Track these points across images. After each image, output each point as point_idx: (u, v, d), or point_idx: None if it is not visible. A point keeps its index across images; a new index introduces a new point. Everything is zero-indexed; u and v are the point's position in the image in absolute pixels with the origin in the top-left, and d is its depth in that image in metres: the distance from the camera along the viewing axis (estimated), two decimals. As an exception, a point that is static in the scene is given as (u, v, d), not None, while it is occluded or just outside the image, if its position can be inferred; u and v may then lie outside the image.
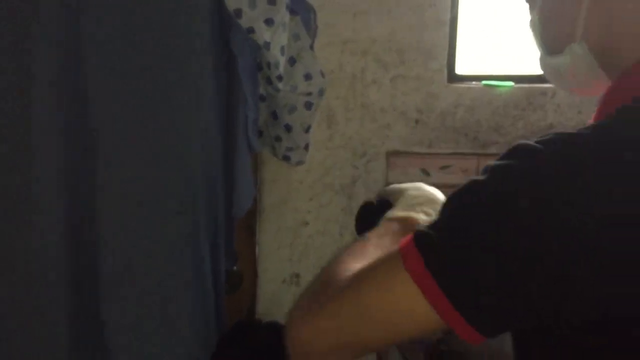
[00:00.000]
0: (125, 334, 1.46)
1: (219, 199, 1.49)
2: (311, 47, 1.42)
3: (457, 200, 0.65)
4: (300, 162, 1.56)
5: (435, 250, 0.62)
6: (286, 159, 1.54)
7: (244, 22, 1.32)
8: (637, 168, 0.60)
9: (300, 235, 1.66)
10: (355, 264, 0.68)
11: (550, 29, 0.71)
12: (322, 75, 1.44)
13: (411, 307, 0.62)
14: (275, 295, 1.69)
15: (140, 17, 1.31)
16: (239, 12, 1.30)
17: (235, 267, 1.60)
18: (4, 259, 1.34)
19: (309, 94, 1.45)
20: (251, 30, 1.32)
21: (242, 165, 1.51)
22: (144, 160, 1.41)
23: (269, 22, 1.35)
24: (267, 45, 1.34)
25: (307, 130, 1.50)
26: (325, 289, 0.67)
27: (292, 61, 1.42)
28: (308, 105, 1.45)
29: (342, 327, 0.65)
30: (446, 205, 0.66)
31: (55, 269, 1.36)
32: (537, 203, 0.59)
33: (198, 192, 1.45)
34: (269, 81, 1.40)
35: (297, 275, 1.68)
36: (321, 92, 1.47)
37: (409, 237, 0.64)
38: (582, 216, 0.59)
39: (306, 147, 1.55)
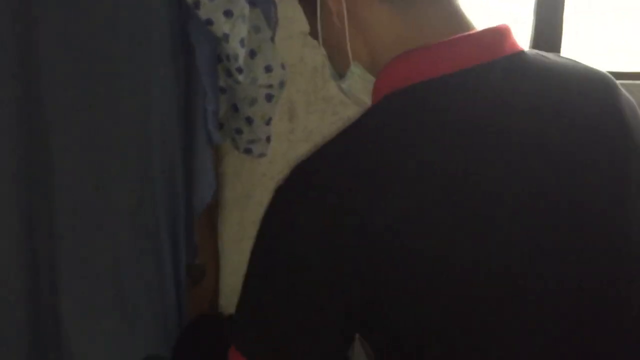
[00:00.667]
0: (84, 330, 1.44)
1: (179, 193, 1.48)
2: (272, 40, 1.41)
3: (247, 278, 0.78)
4: (262, 155, 1.56)
5: (240, 335, 0.75)
6: (248, 151, 1.54)
7: (203, 13, 1.30)
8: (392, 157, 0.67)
9: (262, 228, 1.65)
10: None
11: (334, 59, 0.84)
12: (283, 67, 1.43)
13: None
14: (238, 289, 1.67)
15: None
16: (197, 3, 1.29)
17: (196, 261, 1.59)
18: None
19: (270, 86, 1.45)
20: (210, 21, 1.31)
21: (202, 158, 1.50)
22: (100, 154, 1.39)
23: (227, 13, 1.34)
24: (226, 37, 1.33)
25: (268, 122, 1.50)
26: None
27: (252, 53, 1.41)
28: (269, 98, 1.44)
29: None
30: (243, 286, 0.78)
31: (10, 265, 1.34)
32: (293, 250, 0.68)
33: (157, 186, 1.43)
34: (228, 73, 1.39)
35: (260, 269, 1.68)
36: (282, 85, 1.46)
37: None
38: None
39: (268, 140, 1.54)
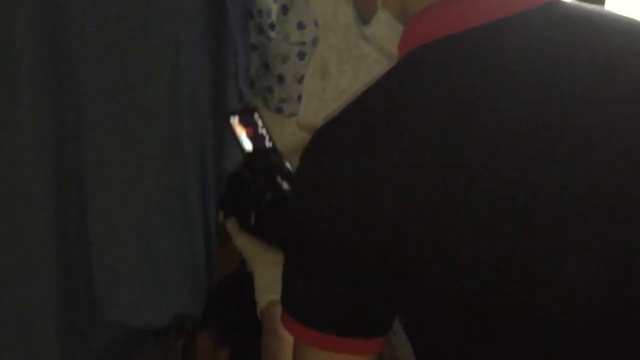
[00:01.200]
0: (116, 288, 1.45)
1: (209, 152, 1.46)
2: (304, -4, 1.37)
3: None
4: (293, 114, 1.53)
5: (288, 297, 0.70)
6: (279, 110, 1.51)
7: None
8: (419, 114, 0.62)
9: (292, 188, 1.63)
10: None
11: (359, 2, 0.77)
12: (316, 24, 1.39)
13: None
14: (266, 249, 1.67)
15: None
16: None
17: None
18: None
19: (302, 43, 1.41)
20: None
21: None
22: (129, 114, 1.38)
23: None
24: None
25: (300, 80, 1.46)
26: None
27: (284, 9, 1.37)
28: (301, 55, 1.41)
29: None
30: None
31: (42, 222, 1.34)
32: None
33: (187, 147, 1.42)
34: (260, 30, 1.36)
35: (289, 229, 1.66)
36: (314, 42, 1.43)
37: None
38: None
39: (299, 99, 1.51)
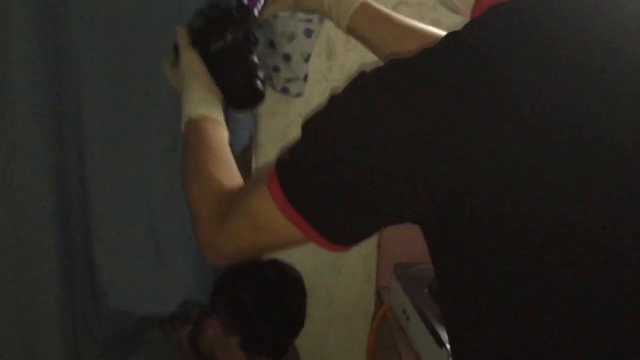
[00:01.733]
0: (119, 274, 1.42)
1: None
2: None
3: (318, 120, 0.71)
4: (299, 94, 1.49)
5: (290, 172, 0.70)
6: (285, 91, 1.47)
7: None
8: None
9: (299, 171, 1.59)
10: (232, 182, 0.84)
11: None
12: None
13: (274, 225, 0.71)
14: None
15: None
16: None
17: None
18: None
19: (309, 20, 1.37)
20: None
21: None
22: (134, 95, 1.34)
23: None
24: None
25: (307, 59, 1.42)
26: (222, 210, 0.79)
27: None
28: (308, 33, 1.36)
29: (238, 241, 0.78)
30: (309, 125, 0.72)
31: (43, 210, 1.30)
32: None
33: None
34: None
35: (296, 213, 1.63)
36: (322, 19, 1.38)
37: (274, 163, 0.73)
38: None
39: (305, 79, 1.47)
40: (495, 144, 0.61)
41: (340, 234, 0.71)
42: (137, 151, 1.37)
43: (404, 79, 0.64)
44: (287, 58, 1.38)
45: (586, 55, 0.63)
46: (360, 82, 0.68)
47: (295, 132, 1.58)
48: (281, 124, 1.57)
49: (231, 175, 0.87)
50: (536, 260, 0.62)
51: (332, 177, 0.67)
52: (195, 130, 0.92)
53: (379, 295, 1.68)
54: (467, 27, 0.66)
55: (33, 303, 1.35)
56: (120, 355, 1.46)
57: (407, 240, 1.58)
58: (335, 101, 0.70)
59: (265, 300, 1.27)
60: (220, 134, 0.93)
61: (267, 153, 1.58)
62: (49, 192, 1.30)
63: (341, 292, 1.70)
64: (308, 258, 1.64)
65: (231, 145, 1.45)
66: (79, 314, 1.44)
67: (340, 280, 1.70)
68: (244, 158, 1.57)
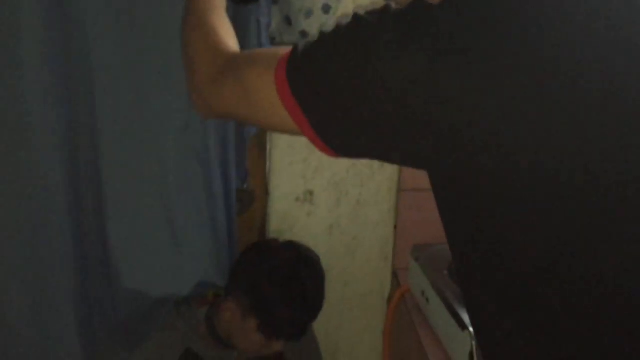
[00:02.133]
0: (133, 255, 1.40)
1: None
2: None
3: (342, 27, 0.69)
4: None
5: (300, 63, 0.70)
6: (300, 69, 1.44)
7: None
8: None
9: (314, 150, 1.56)
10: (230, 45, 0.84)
11: None
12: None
13: (273, 110, 0.72)
14: (287, 214, 1.61)
15: None
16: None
17: (245, 185, 1.52)
18: (2, 184, 1.25)
19: (327, -4, 1.33)
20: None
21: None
22: (148, 72, 1.31)
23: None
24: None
25: (323, 37, 1.39)
26: (220, 67, 0.81)
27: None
28: (326, 9, 1.33)
29: (227, 103, 0.81)
30: (329, 36, 0.70)
31: (55, 192, 1.28)
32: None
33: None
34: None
35: (311, 193, 1.60)
36: (339, -5, 1.35)
37: (289, 51, 0.72)
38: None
39: None
40: (497, 82, 0.60)
41: (332, 138, 0.72)
42: (150, 131, 1.35)
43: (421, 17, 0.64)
44: (304, 35, 1.35)
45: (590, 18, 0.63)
46: (384, 12, 0.67)
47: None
48: (296, 103, 1.54)
49: (232, 38, 0.88)
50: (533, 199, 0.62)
51: (336, 88, 0.67)
52: None
53: (395, 276, 1.66)
54: None
55: (46, 286, 1.34)
56: (135, 337, 1.45)
57: (424, 222, 1.57)
58: (360, 22, 0.69)
59: (283, 283, 1.25)
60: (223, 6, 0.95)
61: (282, 135, 1.56)
62: (61, 174, 1.28)
63: (357, 273, 1.68)
64: (323, 239, 1.62)
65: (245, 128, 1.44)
66: (93, 296, 1.42)
67: (356, 261, 1.68)
68: (258, 138, 1.54)
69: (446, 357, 1.24)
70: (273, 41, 1.39)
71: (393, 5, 0.68)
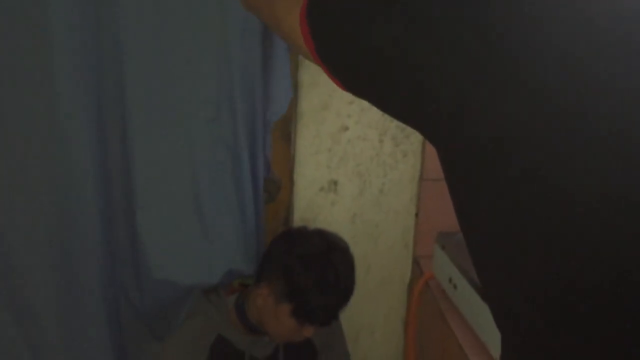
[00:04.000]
0: (162, 244, 1.42)
1: (257, 104, 1.42)
2: None
3: None
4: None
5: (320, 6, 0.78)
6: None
7: None
8: None
9: (339, 140, 1.58)
10: None
11: None
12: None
13: (295, 35, 0.81)
14: (312, 203, 1.64)
15: None
16: None
17: (270, 175, 1.54)
18: (34, 169, 1.28)
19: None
20: None
21: (279, 67, 1.43)
22: (177, 63, 1.33)
23: None
24: None
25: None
26: None
27: None
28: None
29: (259, 12, 0.99)
30: None
31: (85, 182, 1.30)
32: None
33: (235, 96, 1.37)
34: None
35: (335, 183, 1.63)
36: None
37: None
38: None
39: None
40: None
41: (338, 73, 0.79)
42: (180, 121, 1.37)
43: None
44: None
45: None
46: None
47: (335, 103, 1.59)
48: (322, 93, 1.57)
49: None
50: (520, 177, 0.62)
51: (340, 35, 0.75)
52: None
53: (416, 263, 1.69)
54: None
55: (75, 274, 1.36)
56: (164, 325, 1.48)
57: (446, 210, 1.59)
58: None
59: (317, 269, 1.28)
60: None
61: (308, 125, 1.58)
62: (91, 165, 1.31)
63: (378, 260, 1.71)
64: (347, 227, 1.65)
65: (270, 114, 1.46)
66: (121, 285, 1.45)
67: (378, 248, 1.71)
68: (282, 128, 1.57)
69: (478, 342, 1.27)
70: None
71: None
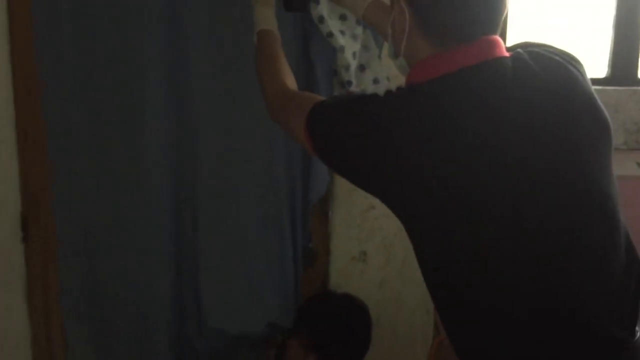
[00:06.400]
0: (218, 299, 1.71)
1: (297, 186, 1.72)
2: (379, 57, 1.62)
3: (354, 97, 1.24)
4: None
5: (317, 118, 1.11)
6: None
7: (325, 28, 1.53)
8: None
9: (367, 217, 1.87)
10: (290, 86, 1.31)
11: (395, 44, 1.16)
12: (388, 79, 1.63)
13: (299, 134, 1.15)
14: (345, 271, 1.90)
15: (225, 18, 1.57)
16: (321, 18, 1.51)
17: (310, 245, 1.83)
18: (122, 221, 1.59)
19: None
20: (330, 34, 1.53)
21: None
22: (236, 157, 1.65)
23: (342, 32, 1.56)
24: (342, 48, 1.55)
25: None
26: (280, 102, 1.28)
27: (361, 68, 1.62)
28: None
29: (281, 121, 1.28)
30: (341, 102, 1.15)
31: (163, 243, 1.62)
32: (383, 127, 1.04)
33: (279, 180, 1.69)
34: (342, 85, 1.61)
35: (364, 253, 1.89)
36: (387, 94, 1.66)
37: (313, 106, 1.13)
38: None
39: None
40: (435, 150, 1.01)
41: (332, 165, 1.21)
42: (238, 200, 1.68)
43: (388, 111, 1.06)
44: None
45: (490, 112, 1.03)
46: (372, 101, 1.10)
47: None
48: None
49: (289, 75, 1.33)
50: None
51: (335, 136, 1.10)
52: (264, 38, 1.38)
53: (436, 326, 1.91)
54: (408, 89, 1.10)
55: (146, 326, 1.66)
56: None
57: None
58: (358, 102, 1.12)
59: (338, 326, 1.55)
60: (277, 42, 1.38)
61: (342, 204, 1.87)
62: (168, 237, 1.62)
63: (403, 322, 1.95)
64: (374, 293, 1.90)
65: (311, 195, 1.76)
66: (185, 333, 1.73)
67: (402, 312, 1.94)
68: (321, 206, 1.85)
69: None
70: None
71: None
